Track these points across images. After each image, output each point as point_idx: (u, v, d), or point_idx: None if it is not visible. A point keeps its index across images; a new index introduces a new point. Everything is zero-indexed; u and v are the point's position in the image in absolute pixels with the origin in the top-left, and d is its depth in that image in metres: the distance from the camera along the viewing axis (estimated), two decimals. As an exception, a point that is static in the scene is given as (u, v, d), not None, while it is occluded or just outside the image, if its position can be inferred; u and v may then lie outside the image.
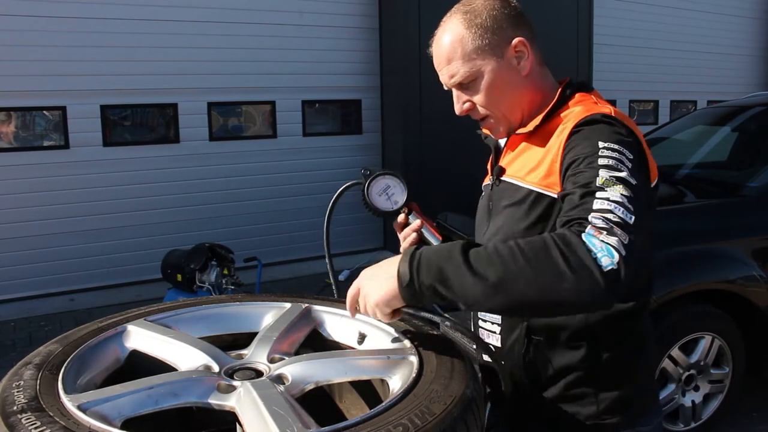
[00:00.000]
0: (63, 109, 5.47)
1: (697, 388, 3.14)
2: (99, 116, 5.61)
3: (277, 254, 6.19)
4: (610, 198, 1.07)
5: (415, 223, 1.38)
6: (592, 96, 1.29)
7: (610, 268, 0.97)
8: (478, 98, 1.29)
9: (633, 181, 1.09)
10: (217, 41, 5.95)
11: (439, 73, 1.32)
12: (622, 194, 1.07)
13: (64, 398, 0.99)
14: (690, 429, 3.14)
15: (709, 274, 3.10)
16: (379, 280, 1.11)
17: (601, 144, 1.14)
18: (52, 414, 0.94)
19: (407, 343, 1.22)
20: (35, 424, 0.91)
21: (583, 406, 1.29)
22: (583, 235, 1.01)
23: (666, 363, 3.02)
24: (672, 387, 3.05)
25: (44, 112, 5.49)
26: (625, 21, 8.62)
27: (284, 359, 1.20)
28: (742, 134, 4.33)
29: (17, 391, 1.00)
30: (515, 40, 1.26)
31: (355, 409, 1.41)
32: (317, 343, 1.37)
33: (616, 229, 1.02)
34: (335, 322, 1.36)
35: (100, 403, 1.00)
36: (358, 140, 6.96)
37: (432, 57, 1.33)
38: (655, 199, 1.28)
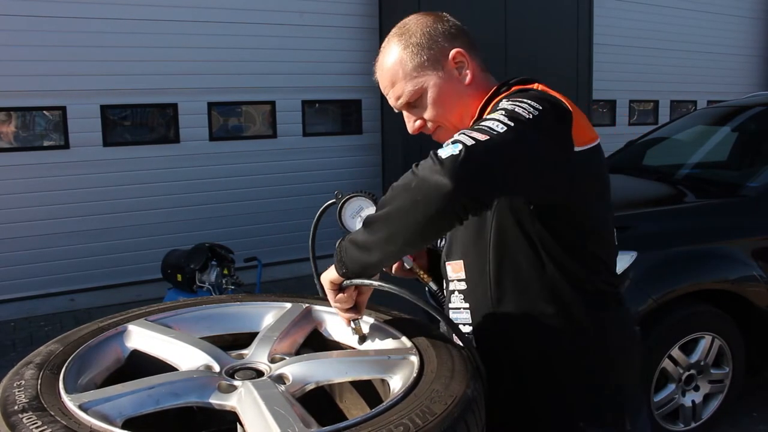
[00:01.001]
0: (63, 109, 5.46)
1: (697, 388, 3.13)
2: (99, 116, 5.60)
3: (277, 254, 6.18)
4: (488, 117, 1.09)
5: None
6: (531, 85, 1.24)
7: (449, 155, 0.99)
8: (427, 113, 1.30)
9: (527, 115, 1.07)
10: (217, 41, 5.94)
11: (387, 98, 1.33)
12: (502, 114, 1.07)
13: (65, 398, 0.99)
14: (690, 429, 3.13)
15: (709, 274, 3.09)
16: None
17: (504, 102, 1.14)
18: (53, 413, 0.94)
19: (408, 342, 1.22)
20: (36, 423, 0.91)
21: (544, 402, 1.25)
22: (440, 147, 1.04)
23: (666, 363, 3.01)
24: (672, 387, 3.05)
25: (44, 112, 5.49)
26: (625, 21, 8.61)
27: (285, 359, 1.20)
28: (742, 134, 4.33)
29: (18, 391, 1.00)
30: (453, 51, 1.28)
31: (355, 409, 1.40)
32: (318, 343, 1.37)
33: (474, 133, 1.03)
34: (336, 322, 1.36)
35: (101, 402, 1.00)
36: (358, 140, 6.95)
37: (378, 84, 1.34)
38: (588, 167, 1.18)
